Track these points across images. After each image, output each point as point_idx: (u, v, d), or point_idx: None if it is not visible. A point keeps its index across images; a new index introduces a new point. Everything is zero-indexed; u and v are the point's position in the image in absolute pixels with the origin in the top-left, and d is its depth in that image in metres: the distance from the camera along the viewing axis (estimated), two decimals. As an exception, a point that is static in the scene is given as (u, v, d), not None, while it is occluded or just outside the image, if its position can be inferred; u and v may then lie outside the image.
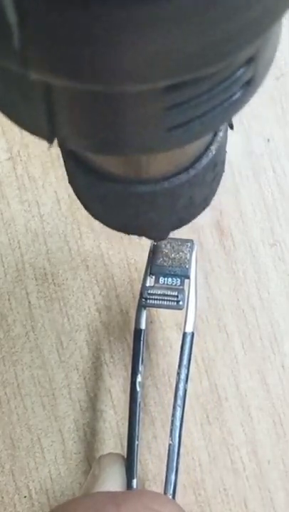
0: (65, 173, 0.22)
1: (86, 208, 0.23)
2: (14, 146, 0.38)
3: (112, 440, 0.36)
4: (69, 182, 0.23)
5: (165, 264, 0.31)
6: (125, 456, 0.31)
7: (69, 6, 0.10)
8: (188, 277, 0.31)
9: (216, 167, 0.22)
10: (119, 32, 0.10)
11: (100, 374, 0.36)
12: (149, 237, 0.30)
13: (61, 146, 0.17)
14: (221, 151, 0.21)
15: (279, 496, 0.36)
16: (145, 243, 0.37)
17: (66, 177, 0.38)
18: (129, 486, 0.30)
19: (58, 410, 0.36)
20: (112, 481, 0.29)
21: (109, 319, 0.37)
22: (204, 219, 0.38)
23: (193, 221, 0.38)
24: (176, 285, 0.30)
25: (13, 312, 0.36)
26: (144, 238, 0.37)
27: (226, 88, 0.14)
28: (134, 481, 0.30)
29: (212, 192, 0.23)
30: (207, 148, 0.20)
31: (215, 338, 0.37)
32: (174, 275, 0.31)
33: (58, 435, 0.36)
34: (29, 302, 0.37)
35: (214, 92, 0.14)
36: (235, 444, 0.36)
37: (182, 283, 0.30)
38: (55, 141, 0.15)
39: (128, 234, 0.25)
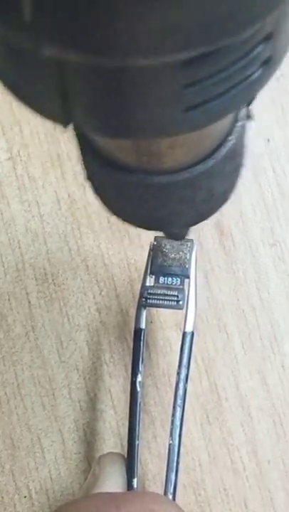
0: (82, 169, 0.22)
1: (105, 204, 0.23)
2: (14, 146, 0.38)
3: (112, 440, 0.36)
4: (87, 178, 0.22)
5: (165, 263, 0.31)
6: (125, 456, 0.31)
7: None
8: (188, 277, 0.31)
9: (235, 158, 0.21)
10: (136, 1, 0.10)
11: (100, 374, 0.36)
12: (169, 233, 0.29)
13: (77, 131, 0.16)
14: (241, 141, 0.21)
15: (279, 496, 0.36)
16: (145, 243, 0.37)
17: (66, 177, 0.38)
18: (129, 485, 0.30)
19: (58, 410, 0.36)
20: (113, 480, 0.29)
21: (109, 319, 0.37)
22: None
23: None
24: (176, 285, 0.31)
25: (13, 312, 0.36)
26: (144, 238, 0.37)
27: (244, 66, 0.13)
28: (135, 481, 0.30)
29: (231, 185, 0.23)
30: (226, 137, 0.20)
31: (215, 338, 0.37)
32: (174, 275, 0.31)
33: (58, 435, 0.36)
34: (29, 302, 0.37)
35: (233, 69, 0.13)
36: (235, 444, 0.36)
37: (182, 283, 0.31)
38: (71, 126, 0.15)
39: (148, 229, 0.24)
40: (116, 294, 0.37)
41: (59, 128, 0.15)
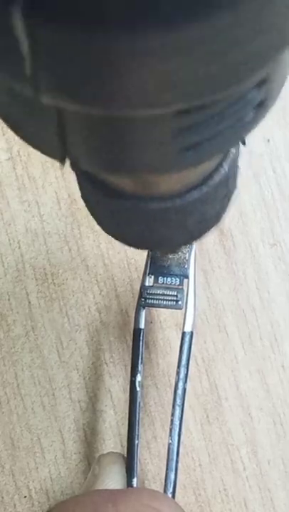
0: (78, 187, 0.22)
1: (99, 223, 0.23)
2: (14, 146, 0.38)
3: (112, 440, 0.36)
4: (82, 197, 0.23)
5: (164, 263, 0.31)
6: (125, 456, 0.31)
7: (78, 34, 0.10)
8: (187, 277, 0.31)
9: (228, 183, 0.22)
10: (131, 59, 0.10)
11: (100, 374, 0.36)
12: (160, 251, 0.30)
13: (73, 166, 0.17)
14: (234, 167, 0.21)
15: (279, 496, 0.36)
16: (145, 243, 0.37)
17: (66, 177, 0.38)
18: (129, 485, 0.30)
19: (58, 410, 0.36)
20: (112, 480, 0.29)
21: (109, 319, 0.37)
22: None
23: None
24: (175, 285, 0.31)
25: (13, 312, 0.36)
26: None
27: (237, 110, 0.14)
28: (134, 480, 0.30)
29: (223, 208, 0.23)
30: (219, 165, 0.20)
31: (215, 338, 0.37)
32: (173, 275, 0.31)
33: (58, 435, 0.36)
34: (29, 302, 0.37)
35: (225, 114, 0.14)
36: (235, 444, 0.36)
37: (181, 282, 0.31)
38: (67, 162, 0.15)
39: (139, 249, 0.25)
40: (116, 294, 0.37)
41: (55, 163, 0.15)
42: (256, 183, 0.38)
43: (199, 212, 0.21)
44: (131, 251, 0.37)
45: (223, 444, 0.36)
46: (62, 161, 0.15)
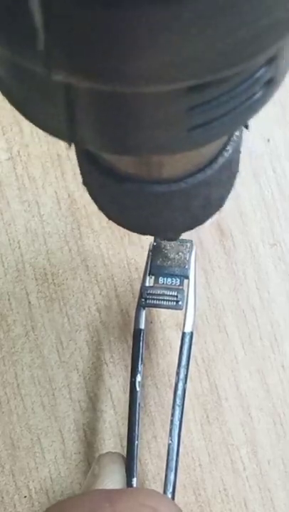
0: (79, 173, 0.22)
1: (101, 208, 0.23)
2: (14, 146, 0.38)
3: (112, 440, 0.36)
4: (83, 183, 0.23)
5: (164, 264, 0.31)
6: (125, 456, 0.31)
7: (94, 7, 0.10)
8: (187, 277, 0.31)
9: (232, 166, 0.22)
10: (146, 33, 0.10)
11: (100, 374, 0.36)
12: (163, 238, 0.30)
13: (80, 147, 0.16)
14: (237, 150, 0.21)
15: (279, 496, 0.36)
16: (145, 243, 0.37)
17: (66, 177, 0.38)
18: (129, 485, 0.30)
19: (58, 410, 0.36)
20: (112, 480, 0.29)
21: (109, 319, 0.37)
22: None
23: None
24: (175, 285, 0.31)
25: (13, 312, 0.36)
26: (144, 238, 0.37)
27: (247, 88, 0.14)
28: (134, 480, 0.30)
29: (227, 191, 0.23)
30: (224, 147, 0.20)
31: (215, 338, 0.37)
32: (174, 275, 0.31)
33: (58, 435, 0.36)
34: (29, 302, 0.37)
35: (236, 91, 0.14)
36: (235, 444, 0.36)
37: (181, 283, 0.31)
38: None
39: (143, 234, 0.24)
40: (116, 294, 0.37)
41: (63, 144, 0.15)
42: (256, 183, 0.38)
43: (203, 195, 0.21)
44: (131, 251, 0.37)
45: (223, 444, 0.36)
46: (69, 141, 0.15)
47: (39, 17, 0.10)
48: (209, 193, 0.21)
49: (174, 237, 0.29)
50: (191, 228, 0.24)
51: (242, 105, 0.14)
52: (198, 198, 0.21)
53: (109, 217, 0.23)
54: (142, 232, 0.24)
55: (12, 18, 0.10)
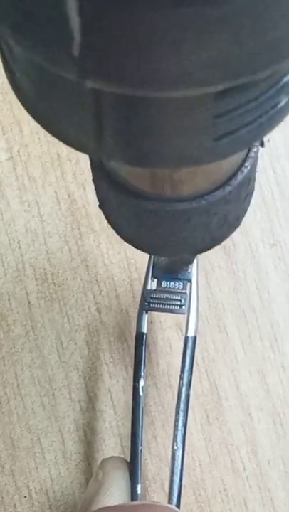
0: (96, 196, 0.22)
1: (118, 232, 0.23)
2: (14, 146, 0.38)
3: (112, 440, 0.36)
4: (99, 206, 0.22)
5: (167, 267, 0.30)
6: (128, 460, 0.31)
7: (137, 7, 0.10)
8: (190, 281, 0.30)
9: (249, 184, 0.22)
10: (189, 32, 0.10)
11: (100, 374, 0.36)
12: (179, 260, 0.30)
13: (106, 160, 0.16)
14: (254, 167, 0.21)
15: (279, 496, 0.36)
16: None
17: (66, 177, 0.38)
18: (133, 491, 0.29)
19: (58, 410, 0.36)
20: (117, 487, 0.29)
21: (109, 319, 0.37)
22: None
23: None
24: (178, 289, 0.30)
25: (13, 312, 0.36)
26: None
27: (273, 95, 0.14)
28: (139, 486, 0.29)
29: (243, 211, 0.23)
30: (242, 163, 0.20)
31: (215, 338, 0.37)
32: (177, 279, 0.30)
33: (58, 435, 0.36)
34: (29, 302, 0.37)
35: (262, 98, 0.14)
36: (235, 444, 0.36)
37: (184, 286, 0.30)
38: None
39: (158, 255, 0.24)
40: (116, 294, 0.37)
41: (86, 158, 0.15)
42: (256, 183, 0.38)
43: (222, 214, 0.21)
44: (131, 251, 0.37)
45: (223, 444, 0.36)
46: (96, 156, 0.15)
47: (76, 21, 0.10)
48: (227, 211, 0.21)
49: (190, 258, 0.28)
50: (208, 249, 0.24)
51: (267, 113, 0.14)
52: (217, 216, 0.21)
53: (126, 240, 0.23)
54: (158, 252, 0.24)
55: (46, 23, 0.10)
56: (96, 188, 0.21)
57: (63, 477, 0.35)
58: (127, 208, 0.21)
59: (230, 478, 0.36)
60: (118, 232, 0.23)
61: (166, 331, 0.37)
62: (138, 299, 0.36)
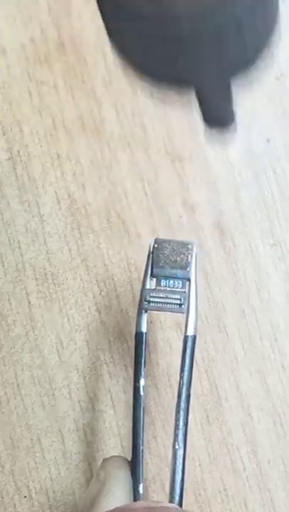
0: (104, 28, 0.20)
1: (130, 63, 0.21)
2: (14, 146, 0.38)
3: (112, 440, 0.36)
4: (109, 37, 0.21)
5: (167, 266, 0.30)
6: (129, 459, 0.30)
7: None
8: (189, 280, 0.30)
9: None
10: None
11: (100, 374, 0.36)
12: (200, 91, 0.25)
13: None
14: None
15: (279, 496, 0.36)
16: (145, 243, 0.37)
17: (66, 177, 0.38)
18: (135, 491, 0.29)
19: (58, 410, 0.36)
20: (119, 487, 0.29)
21: (109, 319, 0.37)
22: (204, 219, 0.38)
23: (193, 221, 0.39)
24: (177, 288, 0.30)
25: (13, 312, 0.36)
26: (144, 238, 0.37)
27: None
28: (141, 486, 0.29)
29: (264, 29, 0.20)
30: None
31: (215, 338, 0.37)
32: (176, 278, 0.30)
33: (58, 435, 0.36)
34: (29, 302, 0.37)
35: None
36: (235, 444, 0.36)
37: (184, 285, 0.30)
38: None
39: (180, 84, 0.21)
40: (116, 294, 0.37)
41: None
42: (256, 183, 0.38)
43: (233, 24, 0.18)
44: (131, 251, 0.37)
45: (223, 444, 0.36)
46: None
47: None
48: (241, 22, 0.19)
49: (225, 106, 0.25)
50: (226, 75, 0.21)
51: None
52: (229, 26, 0.18)
53: (140, 70, 0.21)
54: (179, 76, 0.21)
55: None
56: (104, 18, 0.20)
57: (63, 477, 0.35)
58: (137, 30, 0.19)
59: (230, 478, 0.36)
60: (130, 64, 0.21)
61: (166, 330, 0.37)
62: (138, 298, 0.36)
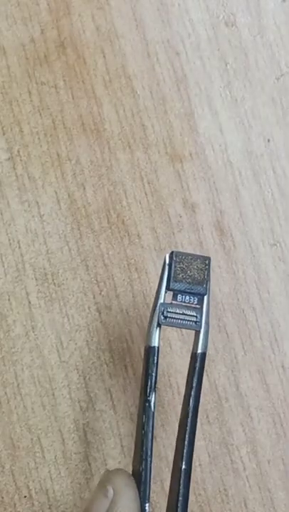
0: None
1: None
2: (14, 146, 0.38)
3: (112, 440, 0.36)
4: None
5: (184, 281, 0.29)
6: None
7: None
8: (203, 296, 0.29)
9: None
10: None
11: (100, 374, 0.36)
12: None
13: None
14: None
15: (279, 496, 0.36)
16: (145, 243, 0.37)
17: (66, 177, 0.38)
18: (142, 509, 0.29)
19: (58, 410, 0.36)
20: (130, 507, 0.28)
21: (109, 319, 0.37)
22: (204, 219, 0.38)
23: (193, 221, 0.39)
24: (192, 303, 0.29)
25: (13, 312, 0.36)
26: (144, 238, 0.37)
27: None
28: (147, 506, 0.29)
29: None
30: None
31: (215, 338, 0.37)
32: (191, 293, 0.29)
33: (58, 435, 0.36)
34: (29, 302, 0.37)
35: None
36: (235, 444, 0.36)
37: (199, 302, 0.29)
38: None
39: None
40: (116, 294, 0.37)
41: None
42: (256, 183, 0.38)
43: None
44: (131, 251, 0.37)
45: (223, 444, 0.36)
46: None
47: None
48: None
49: None
50: None
51: None
52: None
53: None
54: None
55: None
56: None
57: (63, 477, 0.35)
58: None
59: (230, 478, 0.36)
60: None
61: (166, 330, 0.37)
62: (138, 298, 0.36)
